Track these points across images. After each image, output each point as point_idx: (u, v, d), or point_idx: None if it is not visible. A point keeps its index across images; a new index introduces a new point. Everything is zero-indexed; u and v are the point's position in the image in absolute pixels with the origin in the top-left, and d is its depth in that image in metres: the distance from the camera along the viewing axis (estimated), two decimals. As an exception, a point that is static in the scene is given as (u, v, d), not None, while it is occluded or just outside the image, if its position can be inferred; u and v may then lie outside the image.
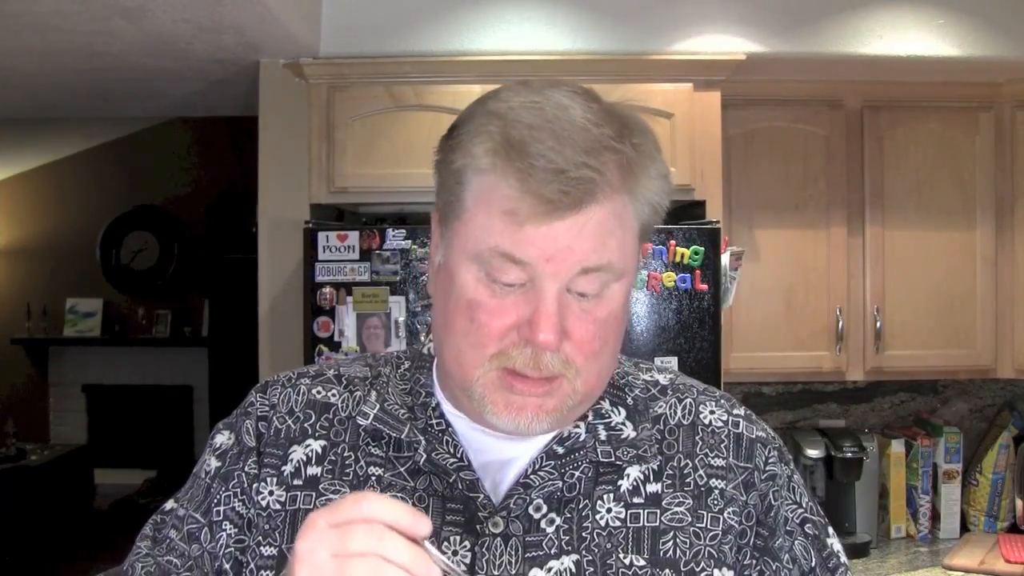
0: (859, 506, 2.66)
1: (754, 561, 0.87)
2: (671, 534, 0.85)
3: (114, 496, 5.95)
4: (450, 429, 0.87)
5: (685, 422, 0.91)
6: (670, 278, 2.28)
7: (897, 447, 2.76)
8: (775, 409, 2.95)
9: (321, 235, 2.25)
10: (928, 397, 3.01)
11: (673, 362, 2.27)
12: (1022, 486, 2.75)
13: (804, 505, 0.91)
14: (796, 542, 0.89)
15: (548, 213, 0.76)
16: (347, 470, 0.87)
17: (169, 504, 0.93)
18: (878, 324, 2.65)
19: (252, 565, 0.86)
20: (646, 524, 0.85)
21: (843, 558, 0.92)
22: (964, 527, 2.80)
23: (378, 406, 0.88)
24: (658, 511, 0.86)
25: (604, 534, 0.84)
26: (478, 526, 0.83)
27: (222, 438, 0.92)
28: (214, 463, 0.91)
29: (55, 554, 5.08)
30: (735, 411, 0.93)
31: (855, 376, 2.69)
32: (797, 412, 2.97)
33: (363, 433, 0.88)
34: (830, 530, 0.93)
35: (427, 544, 0.67)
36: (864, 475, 2.64)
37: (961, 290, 2.69)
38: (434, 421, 0.87)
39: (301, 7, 2.42)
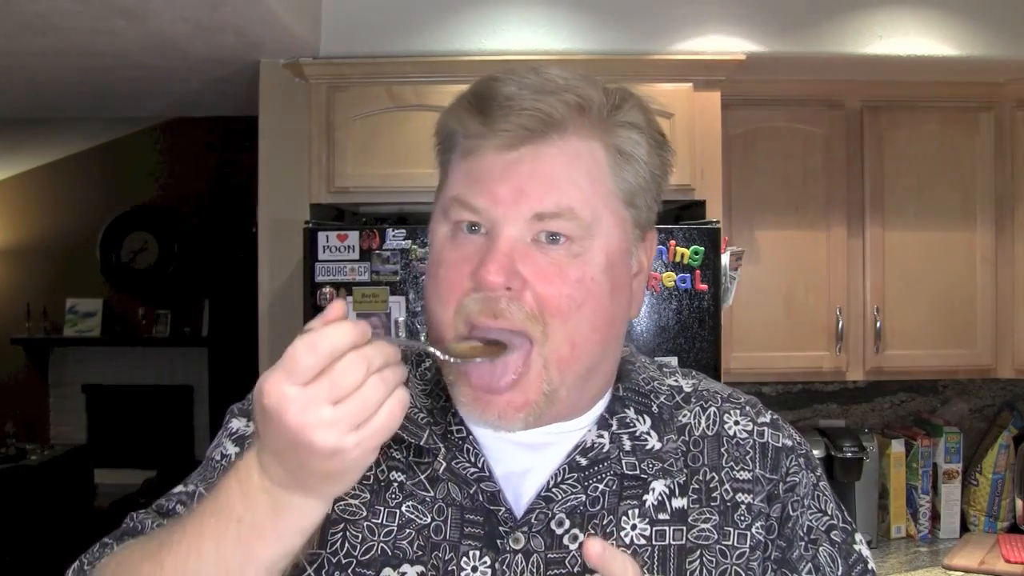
0: (859, 506, 2.66)
1: (773, 574, 0.85)
2: (697, 552, 0.82)
3: (114, 496, 5.94)
4: (471, 437, 0.83)
5: (710, 433, 0.88)
6: (670, 278, 2.28)
7: (897, 447, 2.76)
8: (775, 409, 2.93)
9: (321, 235, 2.24)
10: (928, 397, 3.01)
11: (673, 362, 2.27)
12: (1022, 486, 2.75)
13: (830, 512, 0.89)
14: (821, 549, 0.86)
15: (498, 148, 0.77)
16: (368, 472, 0.82)
17: (176, 489, 0.91)
18: (878, 324, 2.65)
19: None
20: (672, 542, 0.82)
21: (871, 564, 0.89)
22: (964, 527, 2.80)
23: None
24: (684, 528, 0.82)
25: (628, 553, 0.78)
26: (498, 541, 0.80)
27: (238, 423, 0.90)
28: (231, 448, 0.88)
29: (55, 554, 5.08)
30: (760, 419, 0.91)
31: (855, 376, 2.69)
32: (797, 412, 2.97)
33: None
34: (858, 536, 0.90)
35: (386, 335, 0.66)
36: (864, 475, 2.64)
37: (961, 290, 2.69)
38: (455, 427, 0.84)
39: (301, 7, 2.42)
